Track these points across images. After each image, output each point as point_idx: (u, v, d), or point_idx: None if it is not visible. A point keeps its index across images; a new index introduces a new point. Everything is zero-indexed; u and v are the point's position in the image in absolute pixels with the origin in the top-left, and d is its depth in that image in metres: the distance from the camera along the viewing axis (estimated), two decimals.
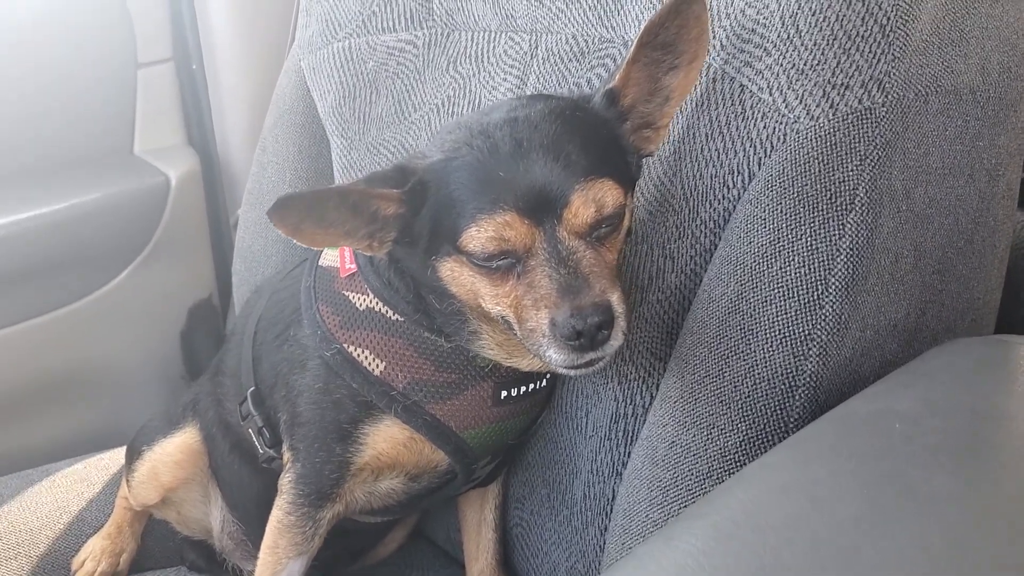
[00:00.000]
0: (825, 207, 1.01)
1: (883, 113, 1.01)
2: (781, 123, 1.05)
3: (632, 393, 1.22)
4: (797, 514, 0.74)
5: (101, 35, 2.07)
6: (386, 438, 1.19)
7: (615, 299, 0.98)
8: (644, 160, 1.12)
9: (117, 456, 1.76)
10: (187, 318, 2.11)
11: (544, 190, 0.98)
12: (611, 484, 1.26)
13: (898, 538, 0.70)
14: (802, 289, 1.02)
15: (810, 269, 1.02)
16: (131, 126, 2.14)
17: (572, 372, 1.03)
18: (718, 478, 1.06)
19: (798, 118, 1.03)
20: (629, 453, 1.23)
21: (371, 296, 1.17)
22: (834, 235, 1.01)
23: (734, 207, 1.09)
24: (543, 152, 0.98)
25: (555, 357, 0.99)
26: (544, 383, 1.24)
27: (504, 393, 1.20)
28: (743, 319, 1.06)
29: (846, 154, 1.01)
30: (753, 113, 1.07)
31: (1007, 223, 1.18)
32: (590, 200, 0.98)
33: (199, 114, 2.20)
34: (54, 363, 2.08)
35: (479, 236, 0.98)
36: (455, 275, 1.04)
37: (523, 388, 1.21)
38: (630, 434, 1.23)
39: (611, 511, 1.26)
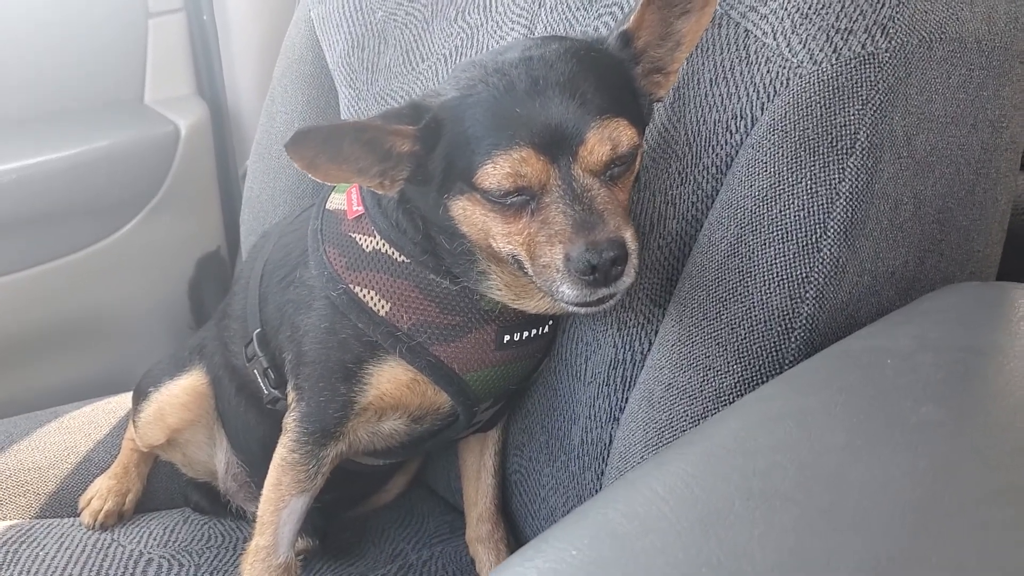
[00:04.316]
0: (826, 151, 1.02)
1: (886, 58, 1.01)
2: (784, 68, 1.05)
3: (631, 339, 1.23)
4: (786, 441, 0.76)
5: None
6: (390, 378, 1.21)
7: (629, 236, 0.99)
8: (653, 105, 1.13)
9: (124, 400, 1.78)
10: (195, 269, 2.13)
11: (560, 127, 0.98)
12: (608, 429, 1.27)
13: (885, 464, 0.72)
14: (801, 232, 1.03)
15: (809, 212, 1.02)
16: (141, 75, 2.15)
17: (583, 310, 1.04)
18: None
19: (801, 63, 1.04)
20: (627, 399, 1.24)
21: (378, 238, 1.18)
22: (834, 179, 1.02)
23: (736, 152, 1.10)
24: (559, 90, 0.99)
25: (568, 293, 1.00)
26: (546, 329, 1.25)
27: (507, 337, 1.21)
28: (742, 262, 1.07)
29: (848, 99, 1.01)
30: (757, 58, 1.07)
31: (1010, 176, 1.18)
32: (605, 138, 0.99)
33: (209, 64, 2.20)
34: (63, 309, 2.10)
35: (495, 172, 0.99)
36: (467, 213, 1.05)
37: (525, 333, 1.23)
38: (628, 380, 1.24)
39: (608, 456, 1.28)
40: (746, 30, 1.09)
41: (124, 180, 2.10)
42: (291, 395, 1.29)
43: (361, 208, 1.21)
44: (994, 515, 0.67)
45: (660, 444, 1.12)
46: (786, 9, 1.05)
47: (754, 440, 0.76)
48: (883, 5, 1.01)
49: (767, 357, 1.05)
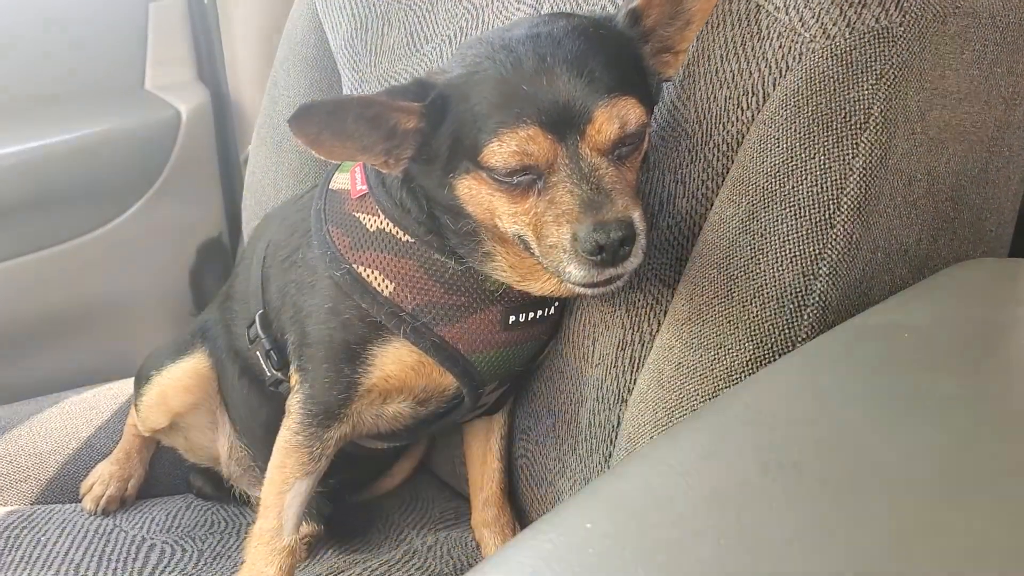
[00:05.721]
0: (839, 126, 1.00)
1: (900, 32, 1.00)
2: (797, 42, 1.04)
3: (639, 320, 1.22)
4: (803, 415, 0.75)
5: None
6: (394, 360, 1.19)
7: (636, 216, 0.98)
8: (661, 84, 1.11)
9: (126, 386, 1.78)
10: (196, 255, 2.12)
11: (568, 105, 0.97)
12: (616, 411, 1.26)
13: (904, 438, 0.70)
14: (814, 208, 1.01)
15: (822, 188, 1.01)
16: (142, 61, 2.14)
17: (590, 291, 1.03)
18: None
19: (814, 37, 1.02)
20: (635, 380, 1.23)
21: (382, 217, 1.17)
22: (847, 154, 1.00)
23: (748, 129, 1.08)
24: (567, 68, 0.98)
25: (575, 273, 0.99)
26: (552, 310, 1.24)
27: (512, 318, 1.20)
28: (753, 239, 1.05)
29: (862, 73, 1.00)
30: (769, 33, 1.06)
31: (1023, 155, 1.17)
32: (614, 117, 0.98)
33: (210, 49, 2.20)
34: (64, 295, 2.09)
35: (501, 151, 0.98)
36: (473, 193, 1.04)
37: (531, 314, 1.21)
38: (636, 361, 1.23)
39: (616, 438, 1.27)
40: (757, 4, 1.07)
41: (125, 166, 2.09)
42: (294, 377, 1.28)
43: (365, 187, 1.20)
44: (1013, 488, 0.66)
45: (670, 424, 1.11)
46: None
47: (769, 414, 0.75)
48: None
49: (779, 335, 1.04)
